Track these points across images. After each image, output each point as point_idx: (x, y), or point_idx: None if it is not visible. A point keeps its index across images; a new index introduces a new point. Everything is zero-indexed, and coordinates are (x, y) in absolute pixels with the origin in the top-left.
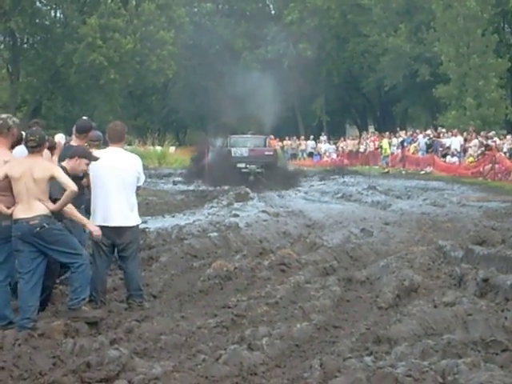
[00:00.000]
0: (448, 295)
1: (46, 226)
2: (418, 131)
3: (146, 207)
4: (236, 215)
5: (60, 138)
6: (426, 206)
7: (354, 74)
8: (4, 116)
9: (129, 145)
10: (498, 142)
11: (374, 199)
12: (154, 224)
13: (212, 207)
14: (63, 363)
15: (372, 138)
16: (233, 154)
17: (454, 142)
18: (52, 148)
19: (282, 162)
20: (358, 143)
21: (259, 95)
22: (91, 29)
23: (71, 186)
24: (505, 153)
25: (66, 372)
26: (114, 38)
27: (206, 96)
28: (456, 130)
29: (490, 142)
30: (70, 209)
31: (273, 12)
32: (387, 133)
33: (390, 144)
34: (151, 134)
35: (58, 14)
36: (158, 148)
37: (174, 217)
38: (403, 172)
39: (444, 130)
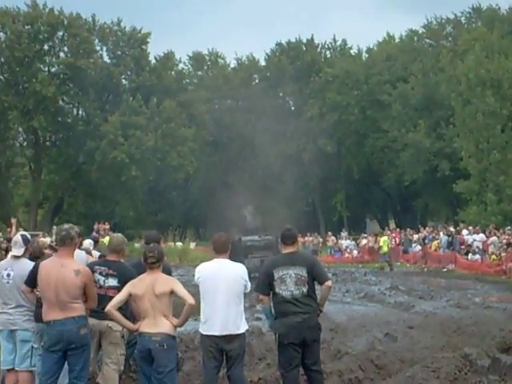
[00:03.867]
0: None
1: (165, 346)
2: (439, 227)
3: None
4: (259, 318)
5: (88, 244)
6: (449, 308)
7: (374, 169)
8: (67, 226)
9: None
10: None
11: (396, 300)
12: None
13: None
14: None
15: (393, 235)
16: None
17: (477, 239)
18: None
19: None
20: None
21: (280, 190)
22: (113, 126)
23: (189, 300)
24: None
25: None
26: (136, 135)
27: (226, 191)
28: (478, 228)
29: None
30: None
31: (292, 108)
32: (408, 229)
33: (385, 242)
34: (172, 231)
35: (80, 112)
36: (179, 244)
37: (195, 320)
38: (425, 269)
39: (468, 229)
